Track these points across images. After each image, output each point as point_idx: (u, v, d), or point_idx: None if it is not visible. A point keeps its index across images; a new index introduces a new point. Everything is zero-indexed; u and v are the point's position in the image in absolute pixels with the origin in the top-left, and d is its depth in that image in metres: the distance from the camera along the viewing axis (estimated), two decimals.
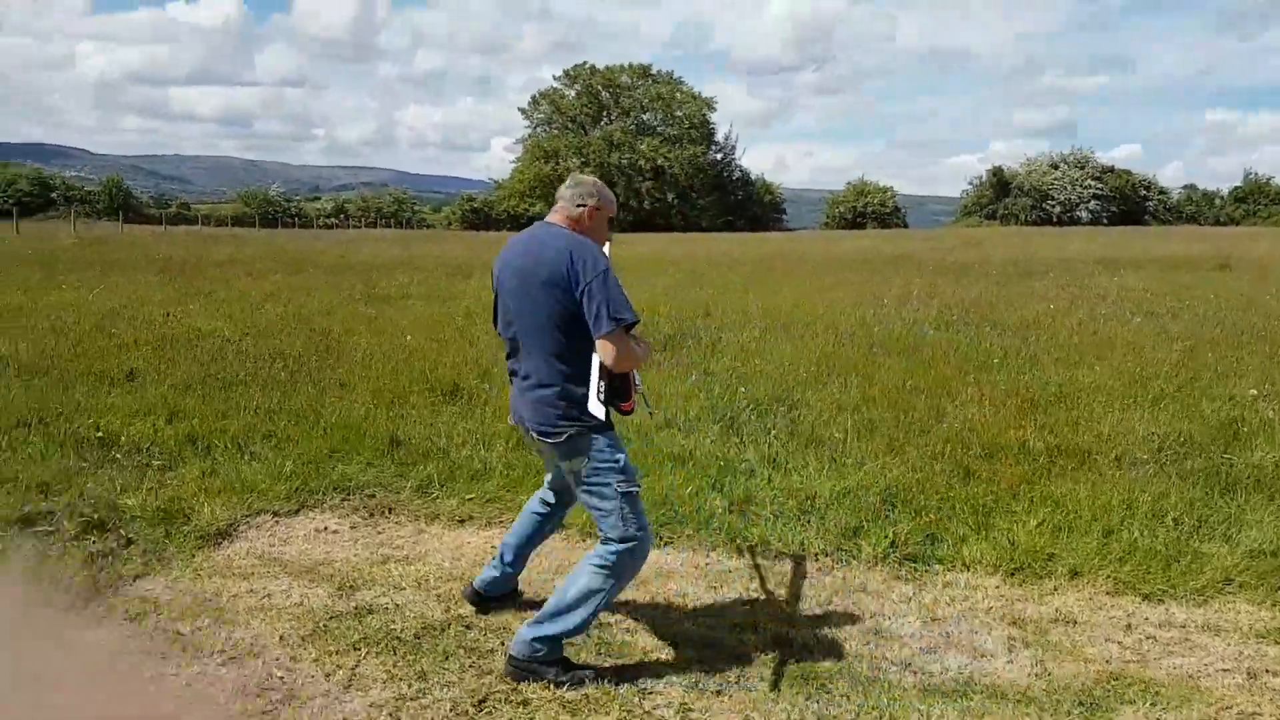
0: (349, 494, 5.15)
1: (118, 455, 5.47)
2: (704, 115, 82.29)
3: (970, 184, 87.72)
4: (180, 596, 3.85)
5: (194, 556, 4.26)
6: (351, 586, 4.00)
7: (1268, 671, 3.35)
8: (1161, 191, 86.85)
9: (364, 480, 5.30)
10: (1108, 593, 3.98)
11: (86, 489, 4.87)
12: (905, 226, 78.97)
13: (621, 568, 3.20)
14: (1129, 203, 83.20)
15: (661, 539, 4.52)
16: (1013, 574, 4.15)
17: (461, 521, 4.86)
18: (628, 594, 3.69)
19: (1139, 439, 5.89)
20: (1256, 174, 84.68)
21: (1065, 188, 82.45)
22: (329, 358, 8.37)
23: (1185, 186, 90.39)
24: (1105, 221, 78.07)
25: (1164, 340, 9.67)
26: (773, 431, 6.04)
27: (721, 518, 4.68)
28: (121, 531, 4.41)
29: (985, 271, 19.61)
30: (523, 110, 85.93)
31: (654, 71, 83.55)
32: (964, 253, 28.03)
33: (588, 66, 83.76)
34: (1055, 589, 4.03)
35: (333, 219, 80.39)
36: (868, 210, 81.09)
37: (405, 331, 9.70)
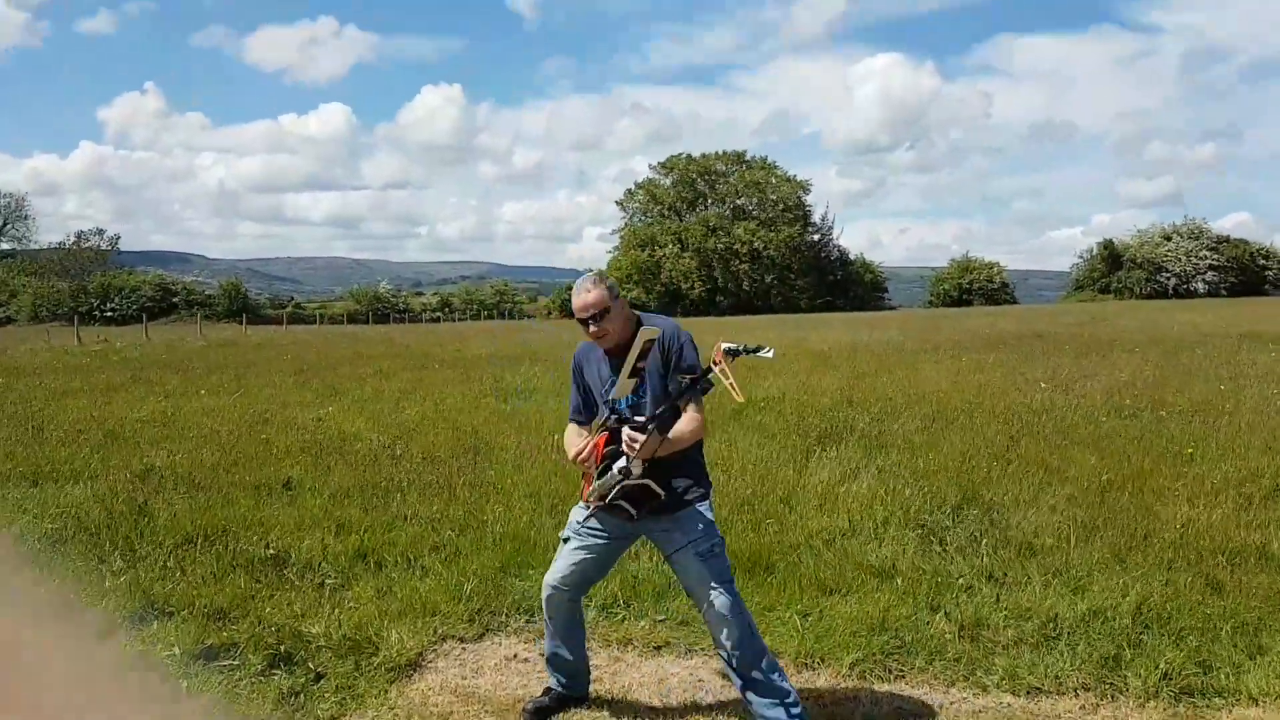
0: (531, 615, 4.82)
1: (290, 574, 5.27)
2: (799, 197, 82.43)
3: (1080, 257, 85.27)
4: None
5: (388, 693, 3.96)
6: None
7: None
8: None
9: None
10: None
11: (265, 614, 4.65)
12: (1014, 302, 77.02)
13: None
14: (1247, 272, 79.68)
15: (890, 671, 4.06)
16: None
17: (658, 648, 4.47)
18: None
19: None
20: None
21: (1180, 259, 79.52)
22: (479, 459, 8.16)
23: None
24: (1224, 293, 74.79)
25: None
26: (983, 540, 5.51)
27: (954, 645, 4.19)
28: (309, 664, 4.15)
29: (1129, 348, 18.64)
30: (619, 202, 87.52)
31: (748, 158, 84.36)
32: (1095, 328, 26.90)
33: (683, 156, 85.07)
34: None
35: (438, 312, 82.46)
36: (973, 286, 79.44)
37: (549, 429, 9.47)
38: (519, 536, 5.83)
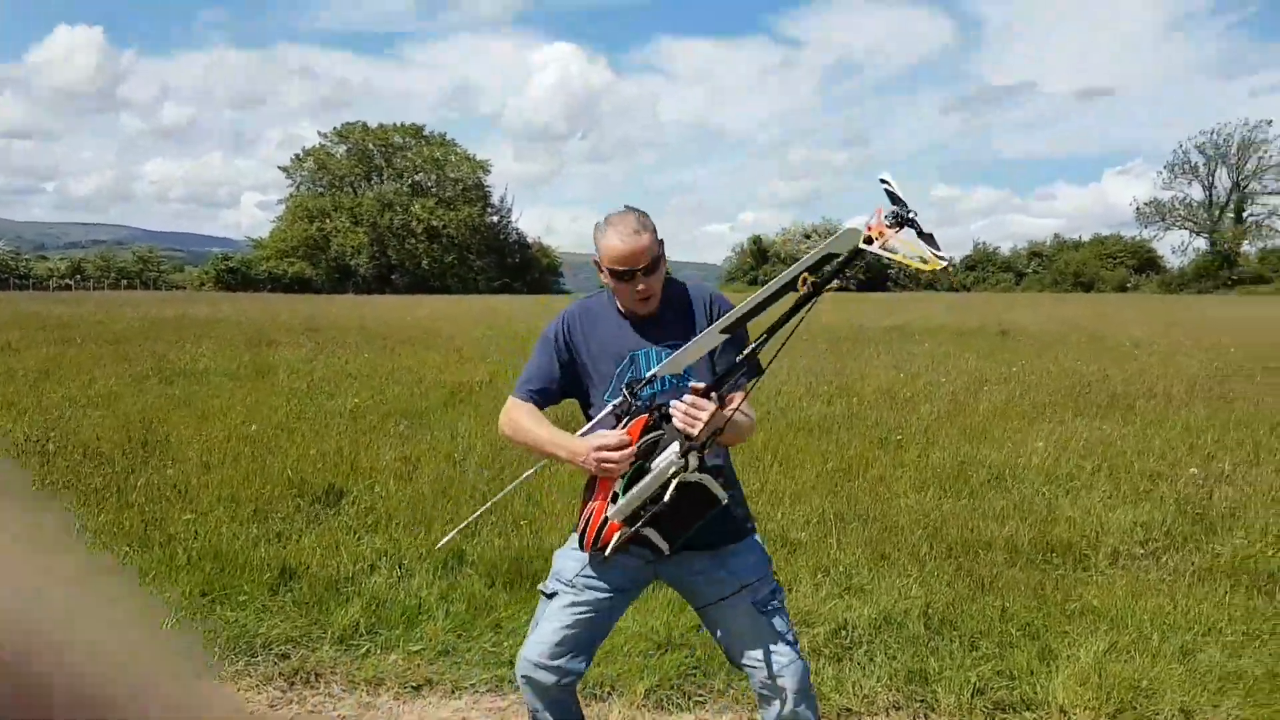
0: (254, 654, 3.91)
1: None
2: (479, 177, 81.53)
3: (733, 251, 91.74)
4: None
5: None
6: None
7: None
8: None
9: (266, 632, 4.05)
10: None
11: None
12: None
13: None
14: (873, 270, 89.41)
15: (689, 698, 3.64)
16: (1114, 715, 3.54)
17: (417, 688, 3.74)
18: None
19: (1124, 529, 5.56)
20: (985, 243, 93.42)
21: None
22: (154, 456, 6.82)
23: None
24: (853, 288, 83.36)
25: (1042, 408, 9.70)
26: None
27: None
28: None
29: (799, 338, 19.81)
30: (284, 168, 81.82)
31: (427, 133, 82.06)
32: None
33: (359, 125, 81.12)
34: None
35: (68, 280, 72.69)
36: None
37: (239, 417, 8.21)
38: (221, 554, 4.80)
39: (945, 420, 9.04)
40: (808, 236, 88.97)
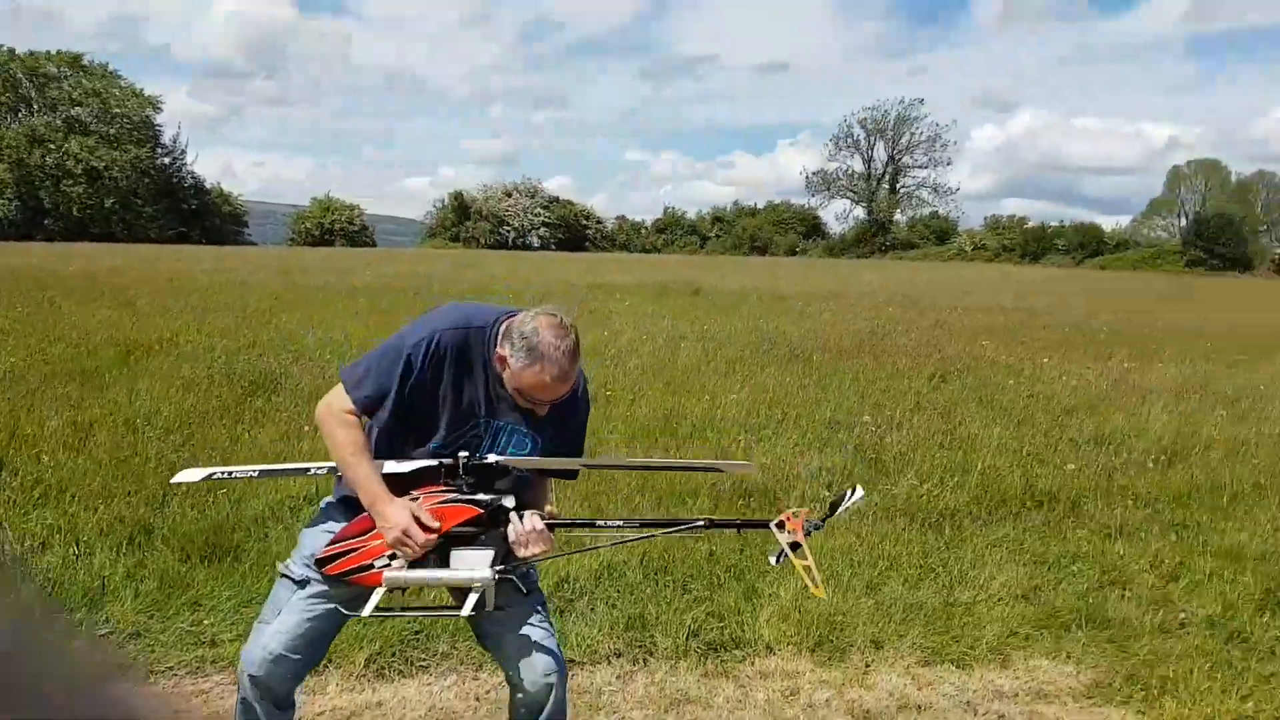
0: None
1: None
2: (148, 115, 73.81)
3: (434, 206, 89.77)
4: None
5: None
6: None
7: None
8: (598, 221, 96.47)
9: None
10: (921, 663, 3.78)
11: None
12: (374, 245, 78.19)
13: None
14: (573, 230, 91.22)
15: (412, 664, 3.48)
16: (815, 649, 3.80)
17: None
18: None
19: (811, 474, 5.97)
20: (674, 208, 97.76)
21: (519, 214, 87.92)
22: None
23: (617, 217, 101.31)
24: (554, 247, 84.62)
25: (733, 363, 10.24)
26: None
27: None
28: None
29: (506, 297, 19.75)
30: None
31: (86, 63, 73.05)
32: (461, 274, 28.17)
33: (3, 50, 70.67)
34: (869, 665, 3.73)
35: None
36: (335, 227, 78.86)
37: None
38: None
39: (650, 374, 9.33)
40: (508, 195, 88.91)
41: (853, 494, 2.36)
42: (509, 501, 2.31)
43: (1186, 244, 53.61)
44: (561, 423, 2.45)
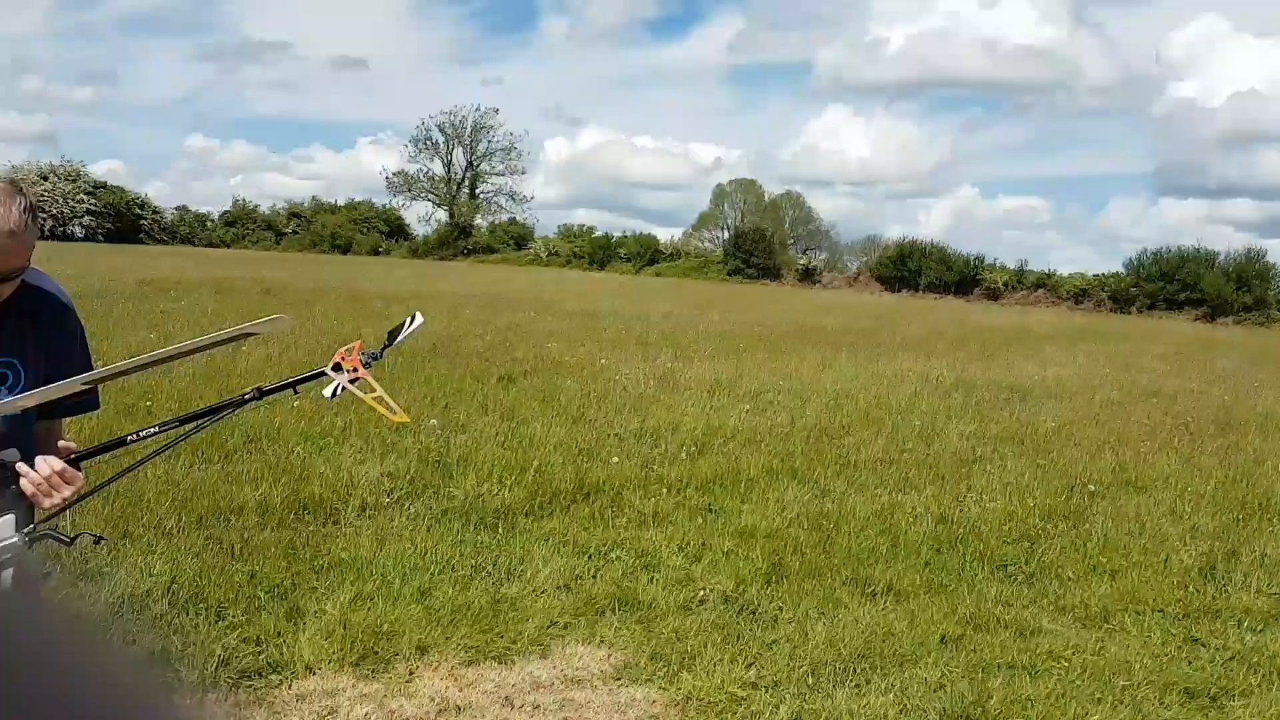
0: None
1: None
2: None
3: None
4: None
5: None
6: None
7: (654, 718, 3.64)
8: (155, 211, 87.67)
9: None
10: (465, 664, 3.85)
11: None
12: None
13: None
14: (125, 220, 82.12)
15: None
16: (359, 664, 3.74)
17: None
18: None
19: (372, 482, 5.87)
20: (245, 200, 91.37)
21: (58, 201, 77.50)
22: None
23: (177, 207, 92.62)
24: (101, 238, 75.65)
25: (300, 366, 9.77)
26: None
27: None
28: None
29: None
30: None
31: None
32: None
33: None
34: (412, 673, 3.73)
35: None
36: None
37: None
38: None
39: (201, 383, 8.63)
40: (45, 178, 77.91)
41: (412, 321, 2.32)
42: (9, 455, 1.95)
43: (728, 254, 60.04)
44: (45, 342, 2.10)
